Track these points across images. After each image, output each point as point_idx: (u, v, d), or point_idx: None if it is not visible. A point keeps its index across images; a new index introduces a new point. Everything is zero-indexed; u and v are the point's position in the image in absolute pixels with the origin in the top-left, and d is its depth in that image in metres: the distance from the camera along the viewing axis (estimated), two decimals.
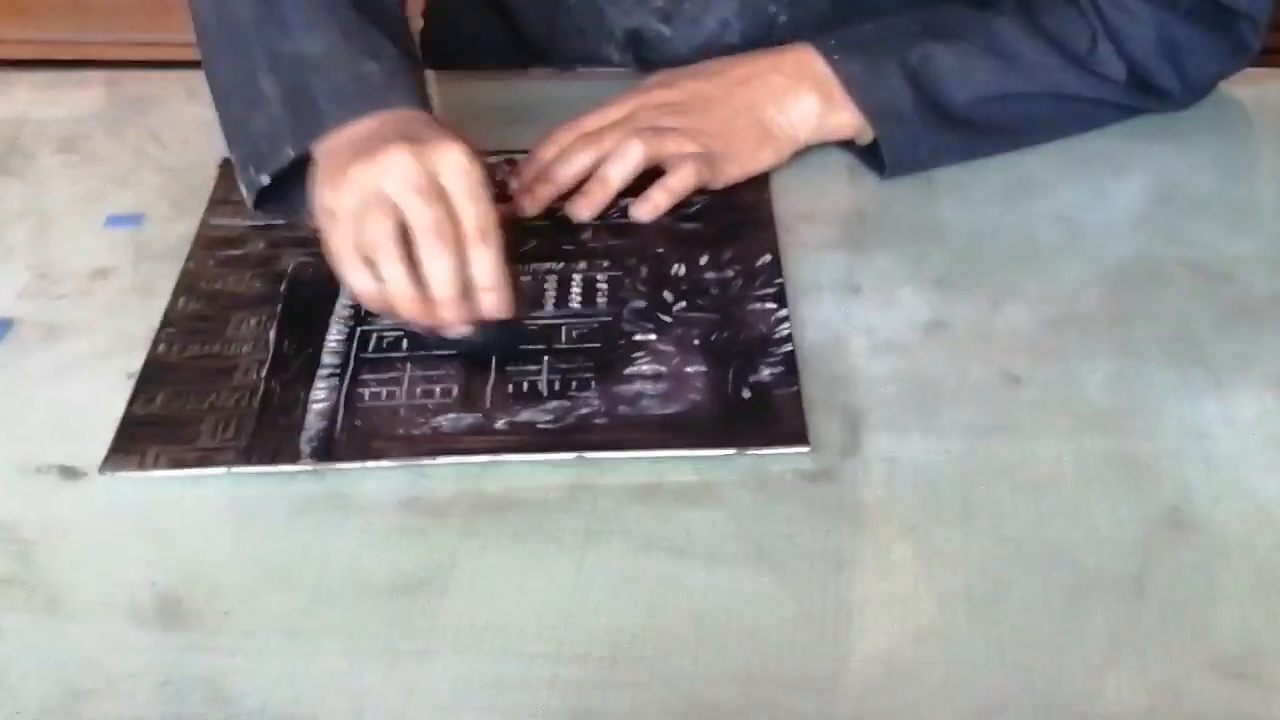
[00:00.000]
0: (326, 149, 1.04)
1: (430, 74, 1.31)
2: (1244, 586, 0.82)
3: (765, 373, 1.00)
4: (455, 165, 0.99)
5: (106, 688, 0.77)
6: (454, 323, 0.99)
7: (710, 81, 1.25)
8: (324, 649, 0.79)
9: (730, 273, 1.09)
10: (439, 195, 0.98)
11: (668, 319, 1.05)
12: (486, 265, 0.98)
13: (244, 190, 1.11)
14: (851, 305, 1.06)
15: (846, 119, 1.22)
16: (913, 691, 0.76)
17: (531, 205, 1.18)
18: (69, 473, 0.91)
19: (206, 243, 1.14)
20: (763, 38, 1.37)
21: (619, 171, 1.17)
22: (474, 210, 0.99)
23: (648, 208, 1.18)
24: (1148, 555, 0.84)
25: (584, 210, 1.17)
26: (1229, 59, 1.29)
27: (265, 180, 1.08)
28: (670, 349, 1.02)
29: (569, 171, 1.18)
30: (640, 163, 1.18)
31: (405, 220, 0.97)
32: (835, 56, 1.24)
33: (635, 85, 1.27)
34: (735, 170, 1.21)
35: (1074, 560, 0.84)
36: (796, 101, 1.23)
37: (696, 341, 1.02)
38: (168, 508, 0.90)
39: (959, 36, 1.26)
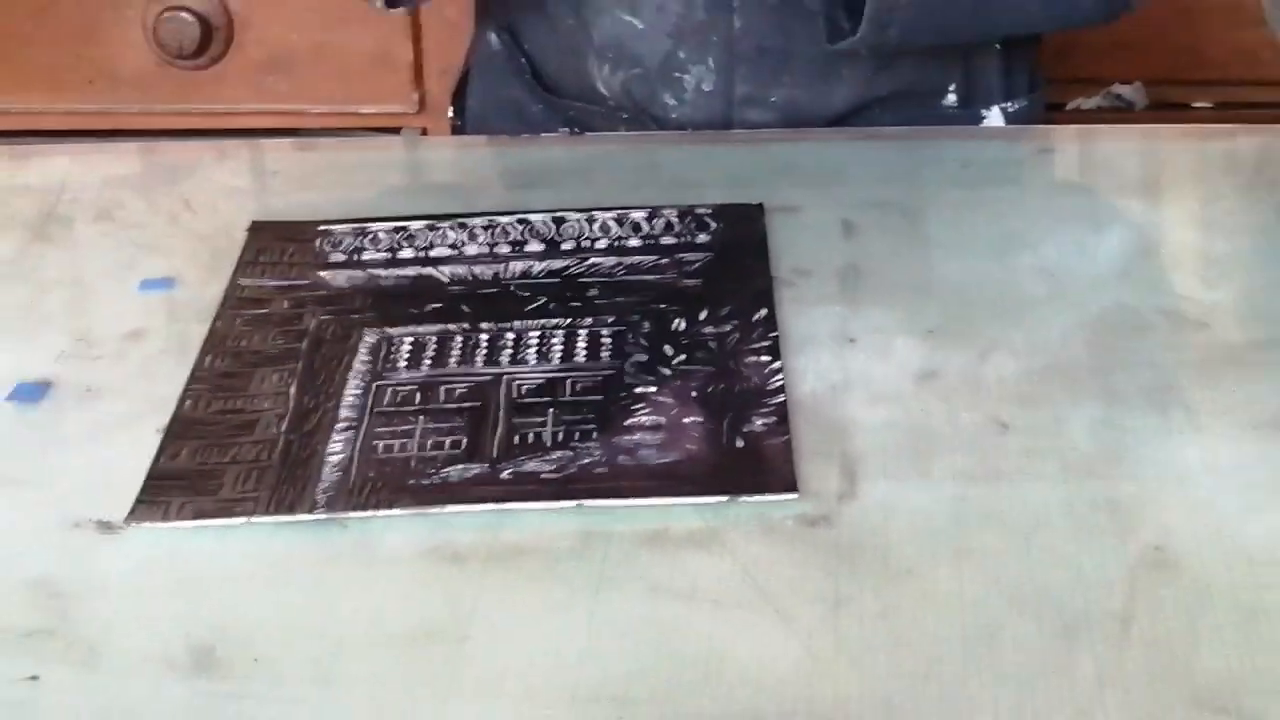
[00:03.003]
0: None
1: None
2: (1224, 625, 0.82)
3: (758, 423, 1.00)
4: None
5: None
6: None
7: None
8: (350, 695, 0.79)
9: (728, 328, 1.08)
10: None
11: (667, 372, 1.05)
12: None
13: None
14: (847, 356, 1.06)
15: None
16: None
17: None
18: (105, 527, 0.91)
19: (234, 303, 1.14)
20: (725, 13, 1.39)
21: None
22: None
23: None
24: (1132, 595, 0.84)
25: None
26: None
27: None
28: (669, 400, 1.02)
29: None
30: None
31: None
32: None
33: None
34: None
35: (1062, 601, 0.84)
36: None
37: (694, 393, 1.03)
38: (201, 560, 0.90)
39: None
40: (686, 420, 1.00)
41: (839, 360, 1.06)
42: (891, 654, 0.81)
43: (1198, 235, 1.29)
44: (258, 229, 1.23)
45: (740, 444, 0.98)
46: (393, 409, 1.03)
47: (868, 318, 1.10)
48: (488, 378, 1.06)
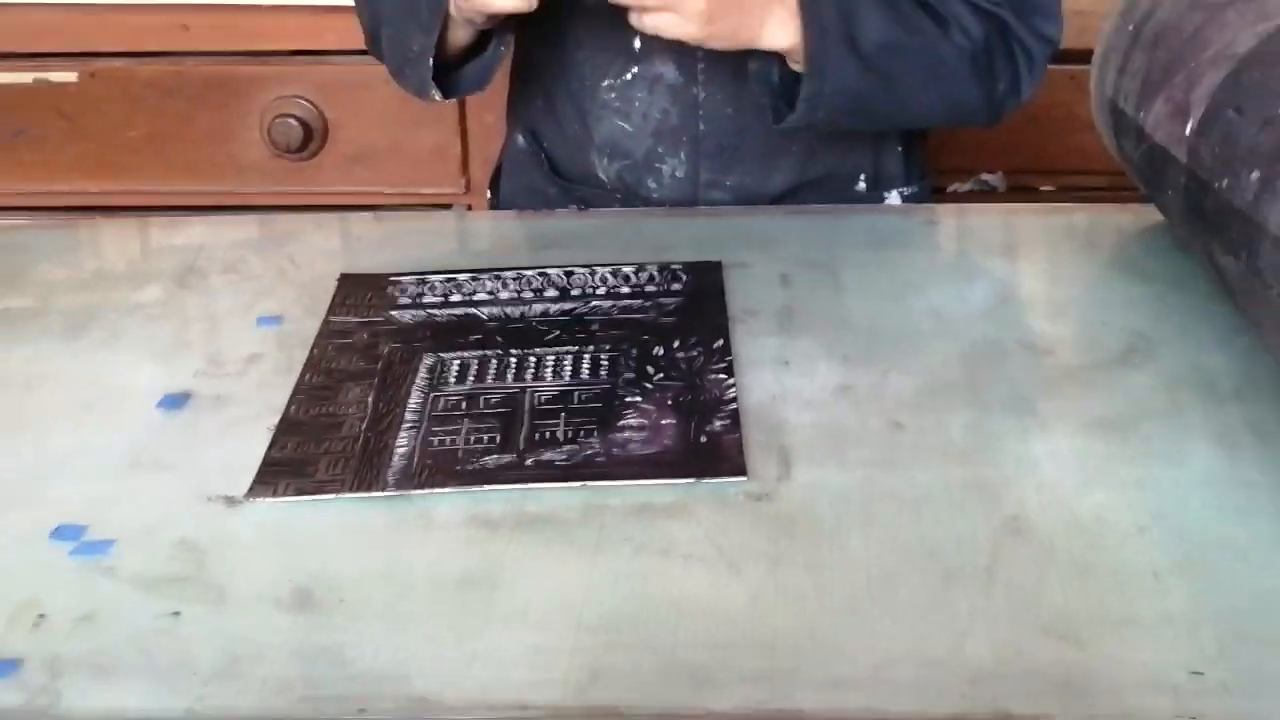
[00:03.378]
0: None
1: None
2: (1064, 575, 0.83)
3: (717, 424, 1.01)
4: None
5: (258, 655, 0.78)
6: None
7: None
8: (411, 627, 0.80)
9: (695, 353, 1.09)
10: None
11: (650, 386, 1.06)
12: None
13: (424, 91, 1.31)
14: (784, 375, 1.06)
15: (792, 30, 1.23)
16: (831, 652, 0.77)
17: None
18: (230, 501, 0.92)
19: (327, 335, 1.15)
20: (691, 116, 1.38)
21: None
22: None
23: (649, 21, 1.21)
24: (995, 552, 0.85)
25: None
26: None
27: (430, 49, 1.27)
28: (651, 408, 1.03)
29: None
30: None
31: None
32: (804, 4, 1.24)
33: None
34: (745, 36, 1.24)
35: (943, 556, 0.85)
36: (770, 13, 1.23)
37: (669, 402, 1.03)
38: (301, 527, 0.91)
39: (876, 8, 1.25)
40: (664, 422, 1.01)
41: (778, 378, 1.06)
42: (816, 596, 0.82)
43: (1044, 286, 1.29)
44: (345, 280, 1.23)
45: (703, 439, 0.98)
46: (445, 413, 1.03)
47: (799, 346, 1.11)
48: (516, 390, 1.07)
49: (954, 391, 1.04)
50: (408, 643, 0.79)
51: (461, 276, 1.25)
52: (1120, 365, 1.07)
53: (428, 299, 1.22)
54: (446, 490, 0.95)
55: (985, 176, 1.41)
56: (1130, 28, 1.21)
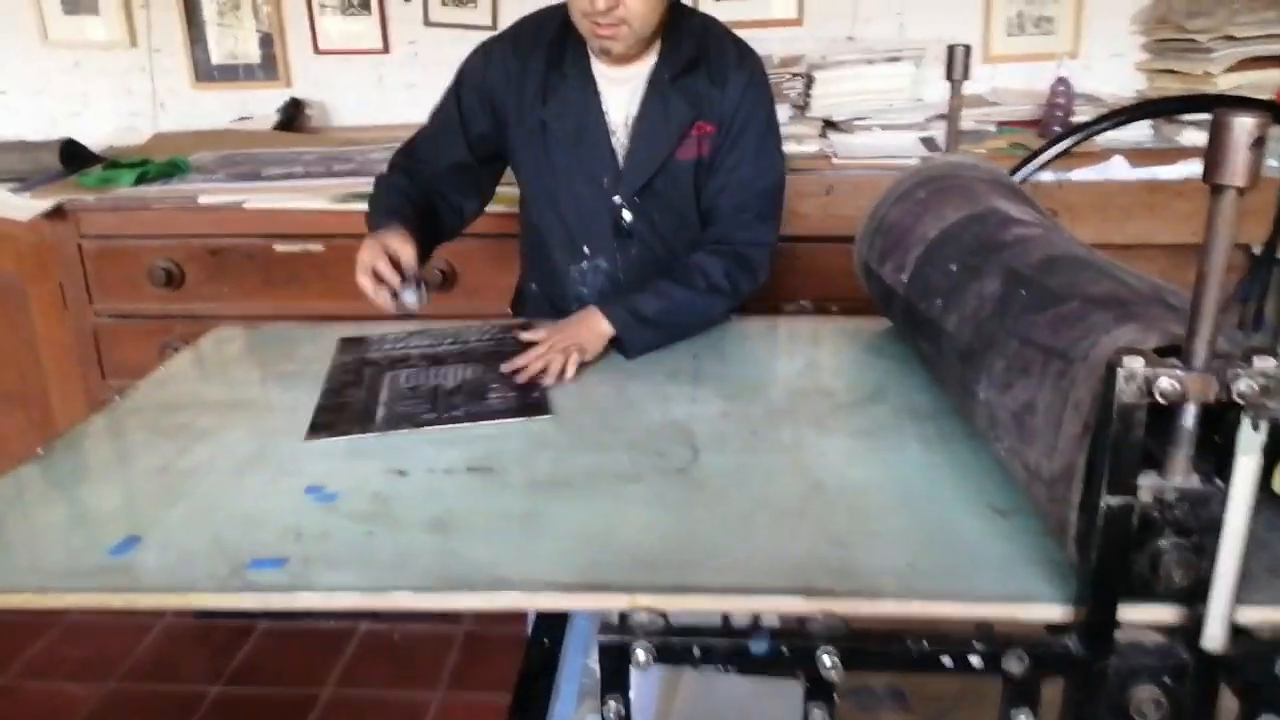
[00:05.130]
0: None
1: None
2: (841, 512, 0.87)
3: (535, 394, 1.13)
4: (394, 236, 1.18)
5: (412, 555, 0.82)
6: (388, 307, 1.16)
7: (572, 327, 1.24)
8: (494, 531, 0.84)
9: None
10: (385, 247, 1.16)
11: (500, 380, 1.17)
12: (406, 258, 1.16)
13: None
14: (693, 406, 1.10)
15: (607, 327, 1.22)
16: (718, 552, 0.82)
17: (521, 376, 1.17)
18: (401, 473, 0.96)
19: (335, 366, 1.25)
20: (619, 285, 1.38)
21: (555, 367, 1.17)
22: (396, 247, 1.17)
23: (549, 380, 1.16)
24: (805, 501, 0.89)
25: (547, 379, 1.15)
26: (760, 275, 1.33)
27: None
28: (500, 386, 1.15)
29: (534, 367, 1.17)
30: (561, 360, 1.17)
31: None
32: (606, 307, 1.24)
33: (547, 327, 1.26)
34: (589, 338, 1.22)
35: (778, 503, 0.89)
36: (597, 324, 1.22)
37: (511, 385, 1.16)
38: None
39: (652, 291, 1.26)
40: (509, 393, 1.13)
41: (689, 407, 1.08)
42: (709, 522, 0.87)
43: (831, 360, 1.30)
44: (342, 340, 1.33)
45: (529, 400, 1.12)
46: (400, 398, 1.14)
47: (701, 390, 1.15)
48: (433, 385, 1.17)
49: (783, 414, 1.08)
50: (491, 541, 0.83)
51: (403, 335, 1.36)
52: (870, 401, 1.11)
53: (385, 346, 1.32)
54: (404, 430, 1.04)
55: (802, 302, 1.47)
56: (874, 223, 1.25)
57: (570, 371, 1.17)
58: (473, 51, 1.38)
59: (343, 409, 1.11)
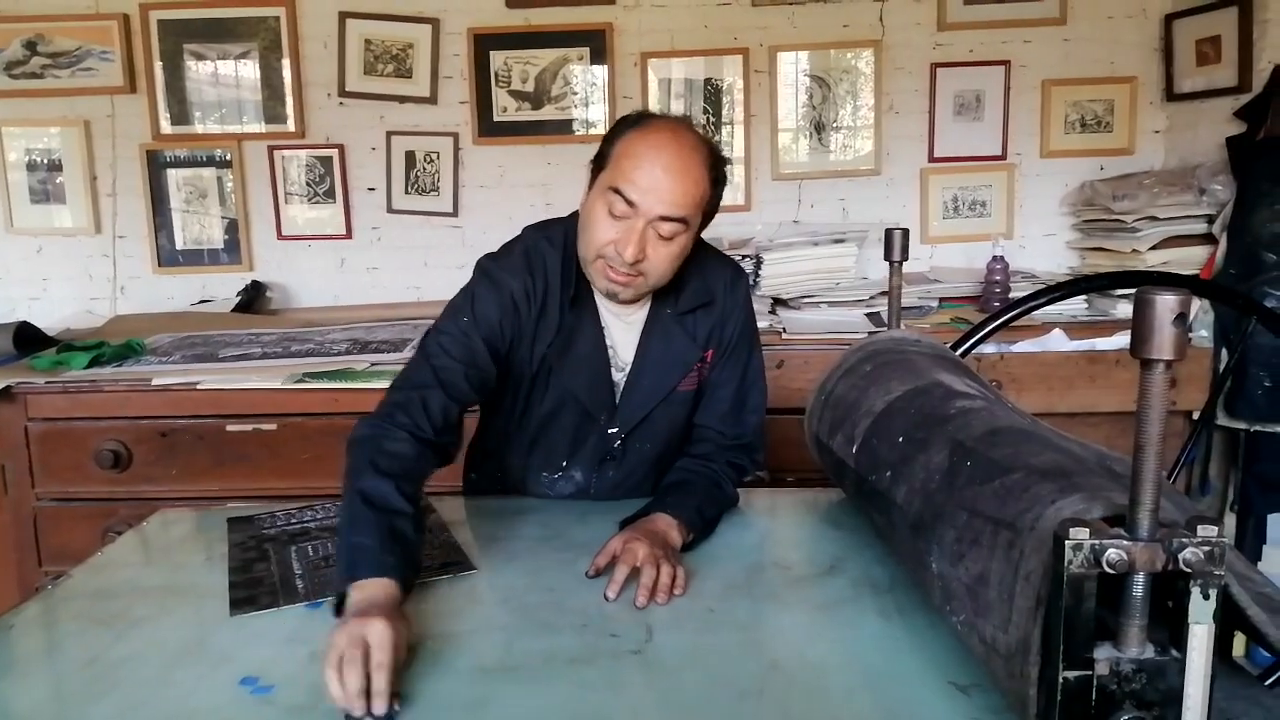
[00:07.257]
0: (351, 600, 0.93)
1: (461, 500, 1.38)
2: (799, 691, 0.84)
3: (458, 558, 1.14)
4: (378, 634, 0.86)
5: None
6: (359, 710, 0.82)
7: (648, 535, 1.12)
8: None
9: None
10: (365, 646, 0.85)
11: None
12: (379, 682, 0.83)
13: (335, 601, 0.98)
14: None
15: (678, 533, 1.16)
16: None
17: (610, 589, 1.05)
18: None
19: (234, 544, 1.24)
20: (607, 486, 1.36)
21: (649, 575, 1.05)
22: (378, 657, 0.85)
23: (664, 597, 1.04)
24: (763, 680, 0.87)
25: (641, 599, 1.03)
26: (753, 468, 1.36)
27: (335, 605, 0.96)
28: None
29: (619, 575, 1.06)
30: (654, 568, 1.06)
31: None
32: (673, 514, 1.19)
33: (622, 536, 1.13)
34: (662, 543, 1.12)
35: (734, 681, 0.86)
36: (669, 529, 1.16)
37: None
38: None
39: (706, 497, 1.24)
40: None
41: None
42: (665, 704, 0.83)
43: (788, 531, 1.30)
44: (231, 520, 1.32)
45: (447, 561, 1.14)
46: (317, 566, 1.15)
47: (688, 567, 1.09)
48: (327, 555, 1.18)
49: (740, 589, 1.07)
50: None
51: (294, 510, 1.37)
52: (827, 574, 1.10)
53: (279, 522, 1.32)
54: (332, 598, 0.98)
55: (759, 473, 1.49)
56: (823, 397, 1.28)
57: (680, 587, 1.07)
58: (484, 284, 1.26)
59: (258, 583, 1.11)
